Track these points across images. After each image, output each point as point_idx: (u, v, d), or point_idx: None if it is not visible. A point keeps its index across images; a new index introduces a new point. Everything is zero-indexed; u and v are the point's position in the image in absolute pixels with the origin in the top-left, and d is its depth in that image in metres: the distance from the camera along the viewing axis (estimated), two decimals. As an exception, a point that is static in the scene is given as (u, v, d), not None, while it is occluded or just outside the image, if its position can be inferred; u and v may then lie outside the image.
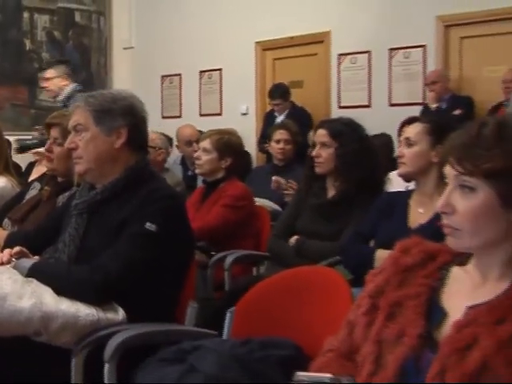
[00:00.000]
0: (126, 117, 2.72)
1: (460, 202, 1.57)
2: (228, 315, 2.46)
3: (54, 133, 3.43)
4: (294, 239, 3.62)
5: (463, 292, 1.63)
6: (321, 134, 3.66)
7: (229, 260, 3.80)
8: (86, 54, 9.81)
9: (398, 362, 1.55)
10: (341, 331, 1.80)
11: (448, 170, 1.60)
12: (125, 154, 2.73)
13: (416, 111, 6.53)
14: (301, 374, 1.45)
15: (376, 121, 6.23)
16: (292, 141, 5.61)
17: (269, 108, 8.05)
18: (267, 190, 5.10)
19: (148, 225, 2.56)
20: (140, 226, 2.56)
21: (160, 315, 2.58)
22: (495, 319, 1.50)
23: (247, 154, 7.97)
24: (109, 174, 2.71)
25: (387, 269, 1.74)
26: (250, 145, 8.20)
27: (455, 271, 1.69)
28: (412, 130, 3.17)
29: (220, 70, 9.04)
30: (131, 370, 2.23)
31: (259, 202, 4.76)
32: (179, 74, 9.50)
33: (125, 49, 9.98)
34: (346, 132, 3.61)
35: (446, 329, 1.56)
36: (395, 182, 4.16)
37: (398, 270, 1.71)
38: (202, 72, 9.25)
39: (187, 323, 2.66)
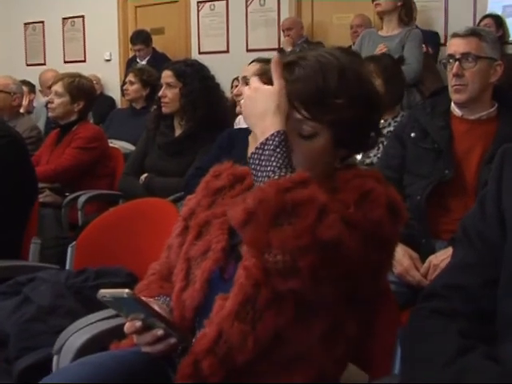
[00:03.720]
0: None
1: (300, 144, 1.53)
2: (69, 249, 2.44)
3: None
4: (143, 176, 3.61)
5: None
6: (166, 75, 3.62)
7: (81, 200, 3.74)
8: None
9: (204, 275, 1.57)
10: (162, 255, 1.82)
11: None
12: None
13: (272, 56, 6.55)
14: (103, 291, 1.45)
15: (234, 65, 6.21)
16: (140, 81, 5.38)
17: (131, 54, 7.91)
18: (125, 132, 5.02)
19: None
20: None
21: (4, 253, 2.53)
22: None
23: (110, 99, 7.83)
24: None
25: (200, 192, 1.76)
26: (114, 90, 8.07)
27: None
28: (250, 69, 3.19)
29: (83, 17, 8.78)
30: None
31: (116, 143, 4.70)
32: (42, 22, 9.16)
33: (-14, -4, 9.54)
34: (190, 72, 3.57)
35: None
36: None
37: (208, 192, 1.73)
38: (64, 19, 8.95)
39: (31, 259, 2.63)
